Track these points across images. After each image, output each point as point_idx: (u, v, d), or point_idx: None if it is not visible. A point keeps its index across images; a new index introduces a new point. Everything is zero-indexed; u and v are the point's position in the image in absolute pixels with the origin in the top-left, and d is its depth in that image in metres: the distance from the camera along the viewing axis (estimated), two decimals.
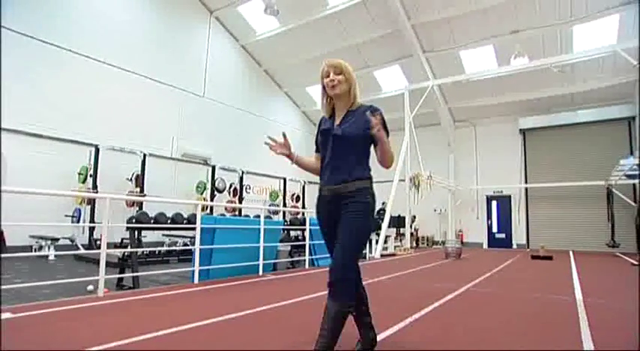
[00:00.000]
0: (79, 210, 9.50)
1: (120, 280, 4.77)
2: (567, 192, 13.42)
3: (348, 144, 2.02)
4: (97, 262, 7.49)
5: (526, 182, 14.46)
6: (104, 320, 3.16)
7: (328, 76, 2.07)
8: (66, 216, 9.39)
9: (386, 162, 2.03)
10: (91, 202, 9.52)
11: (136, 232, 5.24)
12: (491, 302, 4.24)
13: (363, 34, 12.72)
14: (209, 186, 12.16)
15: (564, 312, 3.71)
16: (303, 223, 7.30)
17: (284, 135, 2.18)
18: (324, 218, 2.14)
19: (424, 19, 11.66)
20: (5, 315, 3.17)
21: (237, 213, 12.30)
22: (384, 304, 4.01)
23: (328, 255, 2.10)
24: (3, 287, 4.25)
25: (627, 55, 9.13)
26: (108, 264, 4.36)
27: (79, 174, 9.64)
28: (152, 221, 5.33)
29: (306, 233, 7.00)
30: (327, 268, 1.95)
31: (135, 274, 4.63)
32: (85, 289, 4.53)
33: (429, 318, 3.37)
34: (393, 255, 10.55)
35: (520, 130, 14.48)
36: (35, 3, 9.27)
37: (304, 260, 7.00)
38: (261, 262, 5.76)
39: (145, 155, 10.20)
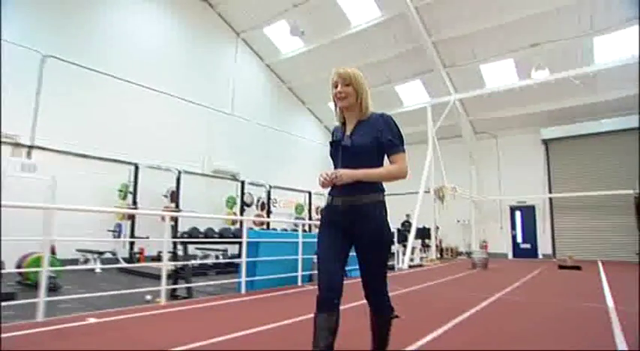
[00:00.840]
0: (121, 225, 10.05)
1: (174, 290, 5.17)
2: (594, 201, 13.37)
3: (358, 155, 1.94)
4: (140, 274, 8.02)
5: (550, 192, 14.45)
6: (172, 325, 3.54)
7: (337, 87, 2.01)
8: (108, 231, 9.94)
9: (391, 181, 1.96)
10: (131, 217, 10.07)
11: (173, 246, 5.65)
12: (525, 310, 4.47)
13: (384, 52, 13.13)
14: (239, 200, 12.63)
15: (598, 318, 3.92)
16: None
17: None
18: (332, 227, 2.00)
19: (445, 36, 12.01)
20: (91, 319, 3.59)
21: (265, 226, 12.72)
22: (423, 312, 4.29)
23: (354, 269, 2.09)
24: (74, 297, 4.69)
25: None
26: (157, 276, 4.75)
27: (120, 191, 10.22)
28: (202, 236, 5.72)
29: None
30: (361, 284, 2.02)
31: (189, 285, 5.02)
32: (144, 299, 4.93)
33: (468, 324, 3.64)
34: (420, 266, 10.74)
35: (542, 140, 14.54)
36: (79, 33, 10.01)
37: None
38: (300, 273, 6.10)
39: (179, 172, 10.74)
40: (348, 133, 2.03)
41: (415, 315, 4.03)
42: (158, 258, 10.17)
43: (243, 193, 12.41)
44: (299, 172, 15.73)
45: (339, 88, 1.99)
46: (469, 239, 15.71)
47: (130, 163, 10.27)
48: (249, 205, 12.98)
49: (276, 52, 14.45)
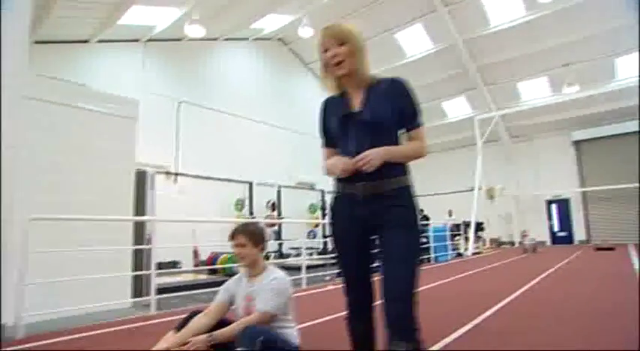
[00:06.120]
0: None
1: (339, 273, 7.72)
2: (620, 193, 15.41)
3: (379, 130, 1.56)
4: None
5: (582, 186, 16.56)
6: None
7: (327, 51, 1.56)
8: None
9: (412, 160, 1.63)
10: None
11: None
12: (581, 270, 6.95)
13: (433, 76, 15.52)
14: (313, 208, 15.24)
15: (628, 273, 6.32)
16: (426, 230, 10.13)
17: None
18: (349, 227, 1.64)
19: (487, 61, 14.33)
20: (330, 287, 6.17)
21: None
22: (519, 274, 6.78)
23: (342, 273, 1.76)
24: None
25: None
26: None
27: (236, 204, 12.91)
28: None
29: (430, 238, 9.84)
30: (382, 296, 1.48)
31: None
32: (323, 279, 7.50)
33: (553, 275, 6.13)
34: (479, 253, 13.12)
35: (573, 141, 16.66)
36: (201, 80, 12.80)
37: (428, 258, 9.80)
38: None
39: (280, 186, 13.39)
40: (356, 104, 1.62)
41: (519, 274, 6.53)
42: (266, 257, 12.84)
43: (324, 201, 14.98)
44: None
45: (331, 52, 1.56)
46: (510, 230, 17.96)
47: (244, 182, 12.94)
48: (325, 209, 15.56)
49: None
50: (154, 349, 2.08)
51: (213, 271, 9.17)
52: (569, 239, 17.02)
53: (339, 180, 1.65)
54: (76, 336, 3.22)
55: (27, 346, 2.96)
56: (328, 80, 1.67)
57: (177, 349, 1.99)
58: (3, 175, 3.11)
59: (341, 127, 1.63)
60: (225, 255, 8.97)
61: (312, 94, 16.93)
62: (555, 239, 17.41)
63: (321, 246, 13.91)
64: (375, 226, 1.58)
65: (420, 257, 1.64)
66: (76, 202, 4.81)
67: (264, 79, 15.06)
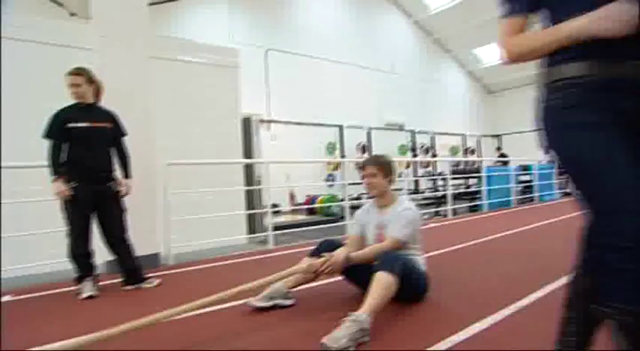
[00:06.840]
0: (333, 175, 13.06)
1: (437, 211, 7.69)
2: None
3: None
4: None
5: None
6: (467, 228, 5.80)
7: None
8: (325, 180, 13.02)
9: None
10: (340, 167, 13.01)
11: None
12: None
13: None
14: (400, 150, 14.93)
15: None
16: (530, 169, 9.48)
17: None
18: (609, 129, 1.04)
19: None
20: (432, 224, 6.20)
21: (430, 168, 14.92)
22: None
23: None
24: None
25: None
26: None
27: (328, 147, 13.18)
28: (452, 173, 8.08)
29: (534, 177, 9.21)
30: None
31: (450, 207, 7.47)
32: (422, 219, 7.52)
33: None
34: None
35: None
36: (285, 26, 12.79)
37: (532, 197, 9.22)
38: (514, 197, 8.19)
39: (369, 129, 13.30)
40: None
41: None
42: (358, 198, 13.12)
43: (414, 142, 14.61)
44: (449, 117, 17.38)
45: None
46: None
47: (335, 126, 13.05)
48: (415, 150, 15.20)
49: (424, 9, 15.73)
50: (294, 268, 2.28)
51: (311, 212, 9.76)
52: None
53: (583, 58, 1.06)
54: (213, 265, 3.72)
55: (178, 270, 3.52)
56: None
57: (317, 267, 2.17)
58: (145, 125, 3.54)
59: None
60: (322, 196, 9.40)
61: (397, 31, 15.99)
62: None
63: (413, 186, 13.79)
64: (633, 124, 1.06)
65: None
66: (192, 148, 5.32)
67: (348, 18, 14.50)
